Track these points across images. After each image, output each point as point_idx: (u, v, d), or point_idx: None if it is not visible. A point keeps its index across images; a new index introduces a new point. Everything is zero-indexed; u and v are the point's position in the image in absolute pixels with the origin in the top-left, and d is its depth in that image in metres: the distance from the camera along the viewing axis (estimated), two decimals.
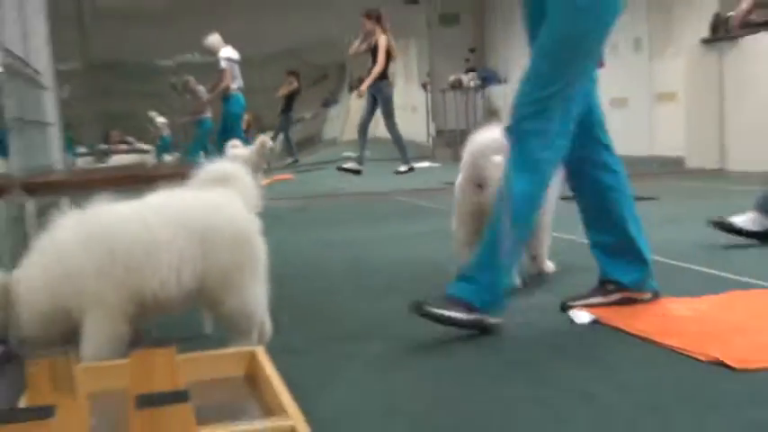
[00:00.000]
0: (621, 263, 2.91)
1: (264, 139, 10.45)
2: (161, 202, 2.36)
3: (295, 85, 15.94)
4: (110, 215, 2.32)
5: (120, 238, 2.26)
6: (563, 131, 2.70)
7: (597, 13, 2.66)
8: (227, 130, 11.22)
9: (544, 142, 2.66)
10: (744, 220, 4.04)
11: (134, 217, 2.31)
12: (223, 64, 11.04)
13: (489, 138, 3.35)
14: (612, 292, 2.92)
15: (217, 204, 2.37)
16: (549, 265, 3.69)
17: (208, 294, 2.35)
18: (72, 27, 6.39)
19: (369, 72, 10.83)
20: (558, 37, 2.68)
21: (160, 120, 15.05)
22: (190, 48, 14.95)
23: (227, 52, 11.13)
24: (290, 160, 14.86)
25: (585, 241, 3.97)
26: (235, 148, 10.83)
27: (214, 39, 11.22)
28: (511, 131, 2.74)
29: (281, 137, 15.15)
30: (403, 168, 10.82)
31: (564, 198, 3.70)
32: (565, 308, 2.92)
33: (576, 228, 4.28)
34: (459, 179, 3.47)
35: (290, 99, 15.94)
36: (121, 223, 2.29)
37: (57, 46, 5.06)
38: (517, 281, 3.32)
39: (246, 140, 10.67)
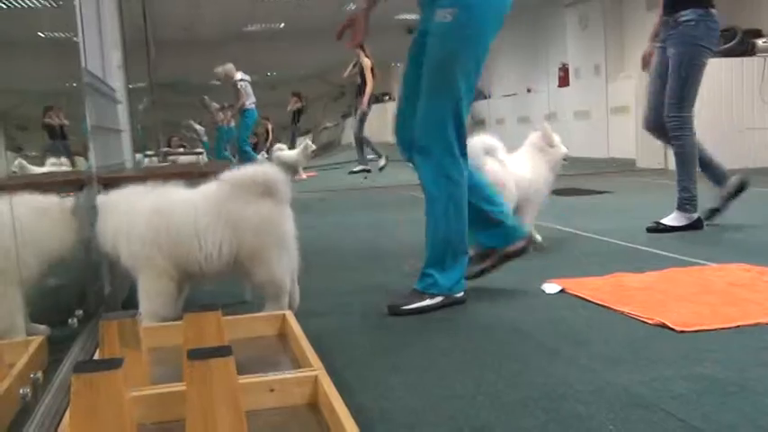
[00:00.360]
0: (485, 233, 2.80)
1: (308, 142, 10.45)
2: (207, 194, 2.35)
3: (299, 104, 15.92)
4: (171, 199, 2.33)
5: (175, 219, 2.28)
6: (459, 140, 2.58)
7: (465, 34, 2.51)
8: (241, 138, 11.31)
9: (447, 153, 2.55)
10: (671, 218, 4.11)
11: (187, 204, 2.32)
12: (240, 86, 11.03)
13: (480, 142, 3.56)
14: (488, 255, 2.81)
15: (246, 198, 2.33)
16: (537, 238, 3.80)
17: (240, 267, 2.35)
18: (141, 54, 6.40)
19: (358, 88, 11.03)
20: (434, 63, 2.55)
21: (198, 127, 15.02)
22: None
23: (240, 75, 11.13)
24: None
25: (565, 228, 3.96)
26: (281, 150, 10.84)
27: (228, 67, 11.19)
28: (417, 149, 2.61)
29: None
30: (382, 162, 10.71)
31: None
32: (470, 277, 2.78)
33: (555, 218, 4.27)
34: None
35: (296, 114, 15.94)
36: (178, 208, 2.30)
37: (129, 69, 5.05)
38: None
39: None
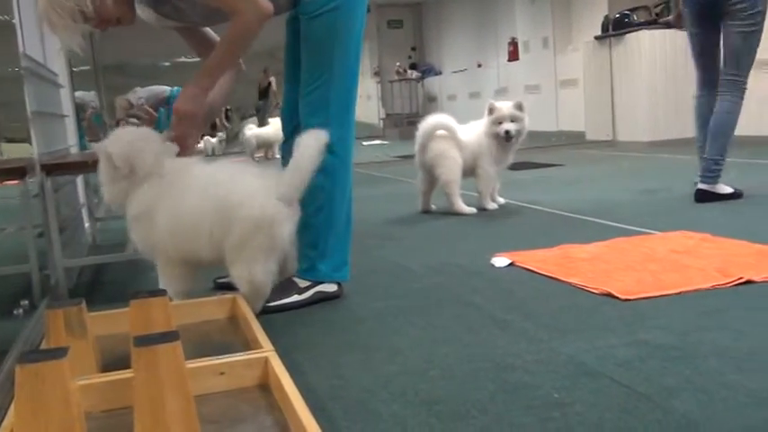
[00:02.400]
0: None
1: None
2: (210, 183, 2.26)
3: (269, 79, 15.58)
4: (184, 192, 2.25)
5: (186, 214, 2.22)
6: (340, 114, 2.45)
7: (331, 20, 2.37)
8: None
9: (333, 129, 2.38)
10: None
11: (193, 197, 2.23)
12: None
13: (432, 121, 4.19)
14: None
15: (250, 192, 2.21)
16: (492, 204, 4.21)
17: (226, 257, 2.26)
18: (84, 36, 6.26)
19: None
20: (308, 48, 2.43)
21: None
22: (184, 51, 14.76)
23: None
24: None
25: (515, 201, 4.01)
26: (250, 130, 10.53)
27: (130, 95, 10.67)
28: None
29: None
30: None
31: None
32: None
33: (506, 191, 4.31)
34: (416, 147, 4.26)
35: (265, 90, 15.64)
36: (189, 201, 2.23)
37: (71, 52, 4.93)
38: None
39: None
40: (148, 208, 2.25)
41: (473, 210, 4.12)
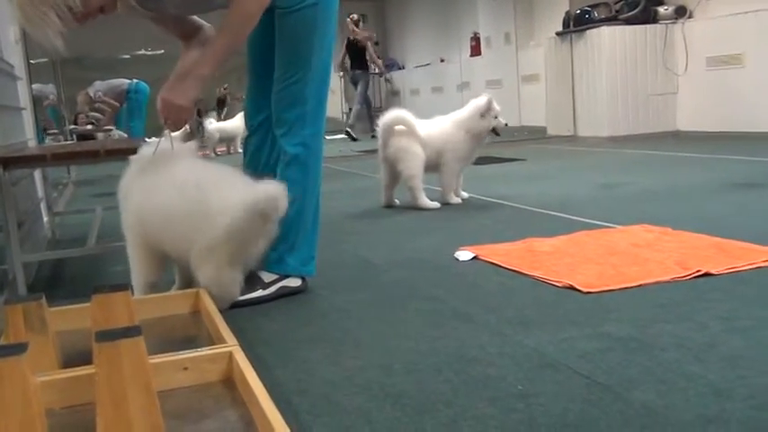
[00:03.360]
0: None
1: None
2: (190, 181, 2.25)
3: None
4: (160, 183, 2.27)
5: (156, 203, 2.25)
6: (315, 109, 2.44)
7: (311, 15, 2.36)
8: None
9: (306, 125, 2.43)
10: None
11: (171, 192, 2.23)
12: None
13: (392, 116, 4.19)
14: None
15: (230, 200, 2.17)
16: (456, 198, 4.25)
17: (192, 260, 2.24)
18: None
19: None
20: (284, 43, 2.40)
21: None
22: (144, 44, 14.58)
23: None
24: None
25: (479, 196, 4.04)
26: (212, 124, 10.35)
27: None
28: (277, 123, 2.46)
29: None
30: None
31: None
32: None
33: (469, 186, 4.34)
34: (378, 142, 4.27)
35: None
36: (162, 193, 2.25)
37: (28, 44, 4.85)
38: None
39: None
40: (130, 190, 2.31)
41: (436, 204, 4.13)
